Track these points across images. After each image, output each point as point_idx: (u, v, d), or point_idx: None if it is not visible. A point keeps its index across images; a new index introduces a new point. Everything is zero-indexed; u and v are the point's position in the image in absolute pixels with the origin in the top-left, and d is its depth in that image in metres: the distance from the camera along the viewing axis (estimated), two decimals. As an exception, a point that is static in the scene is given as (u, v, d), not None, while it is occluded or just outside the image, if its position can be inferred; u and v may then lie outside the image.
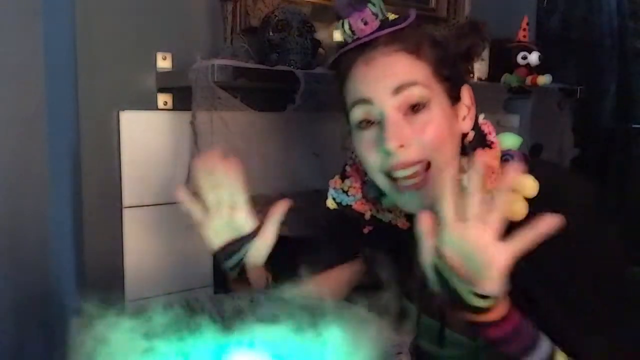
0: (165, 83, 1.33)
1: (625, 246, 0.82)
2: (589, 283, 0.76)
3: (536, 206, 0.77)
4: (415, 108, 0.80)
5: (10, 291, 1.31)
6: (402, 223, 0.94)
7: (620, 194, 2.73)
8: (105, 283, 1.28)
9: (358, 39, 0.82)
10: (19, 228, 1.31)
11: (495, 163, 0.84)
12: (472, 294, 0.65)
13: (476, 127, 0.87)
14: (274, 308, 0.67)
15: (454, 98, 0.84)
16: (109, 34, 1.26)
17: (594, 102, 2.74)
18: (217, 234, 0.87)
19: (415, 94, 0.79)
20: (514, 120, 1.94)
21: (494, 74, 1.84)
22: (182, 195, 0.87)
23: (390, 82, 0.79)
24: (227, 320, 0.67)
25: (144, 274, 1.33)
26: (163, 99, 1.35)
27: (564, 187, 0.81)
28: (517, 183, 0.80)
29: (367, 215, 0.95)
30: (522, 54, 1.84)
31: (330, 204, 0.98)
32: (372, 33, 0.81)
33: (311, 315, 0.65)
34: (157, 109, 1.34)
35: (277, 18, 1.33)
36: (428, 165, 0.80)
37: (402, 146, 0.79)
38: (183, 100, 1.30)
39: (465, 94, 0.87)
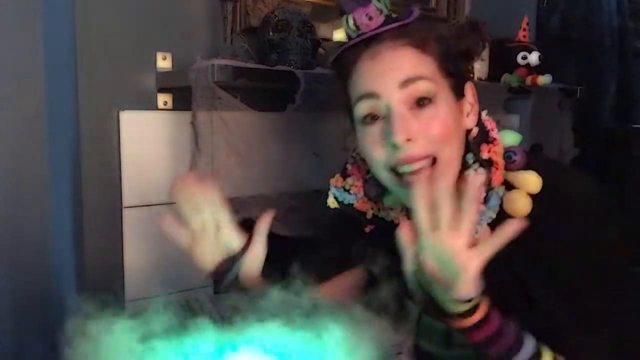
0: (165, 83, 1.33)
1: (625, 246, 0.82)
2: (589, 281, 0.76)
3: (540, 202, 0.78)
4: (421, 103, 0.79)
5: (10, 291, 1.31)
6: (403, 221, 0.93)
7: (620, 194, 2.73)
8: (105, 283, 1.28)
9: (363, 34, 0.81)
10: (19, 228, 1.31)
11: (499, 159, 0.84)
12: (451, 299, 0.69)
13: (479, 123, 0.87)
14: (274, 308, 0.67)
15: (459, 94, 0.84)
16: (109, 34, 1.26)
17: (594, 102, 2.74)
18: (208, 256, 0.86)
19: (421, 88, 0.79)
20: (514, 120, 1.94)
21: (494, 74, 1.84)
22: (167, 226, 0.86)
23: (397, 76, 0.79)
24: (227, 320, 0.67)
25: (144, 274, 1.33)
26: (163, 99, 1.35)
27: (567, 184, 0.81)
28: (521, 179, 0.80)
29: (369, 214, 0.95)
30: (522, 54, 1.84)
31: (331, 202, 0.97)
32: (377, 28, 0.81)
33: (311, 315, 0.65)
34: (157, 109, 1.34)
35: (277, 18, 1.33)
36: (434, 161, 0.80)
37: (409, 140, 0.78)
38: (183, 100, 1.30)
39: (469, 90, 0.87)
